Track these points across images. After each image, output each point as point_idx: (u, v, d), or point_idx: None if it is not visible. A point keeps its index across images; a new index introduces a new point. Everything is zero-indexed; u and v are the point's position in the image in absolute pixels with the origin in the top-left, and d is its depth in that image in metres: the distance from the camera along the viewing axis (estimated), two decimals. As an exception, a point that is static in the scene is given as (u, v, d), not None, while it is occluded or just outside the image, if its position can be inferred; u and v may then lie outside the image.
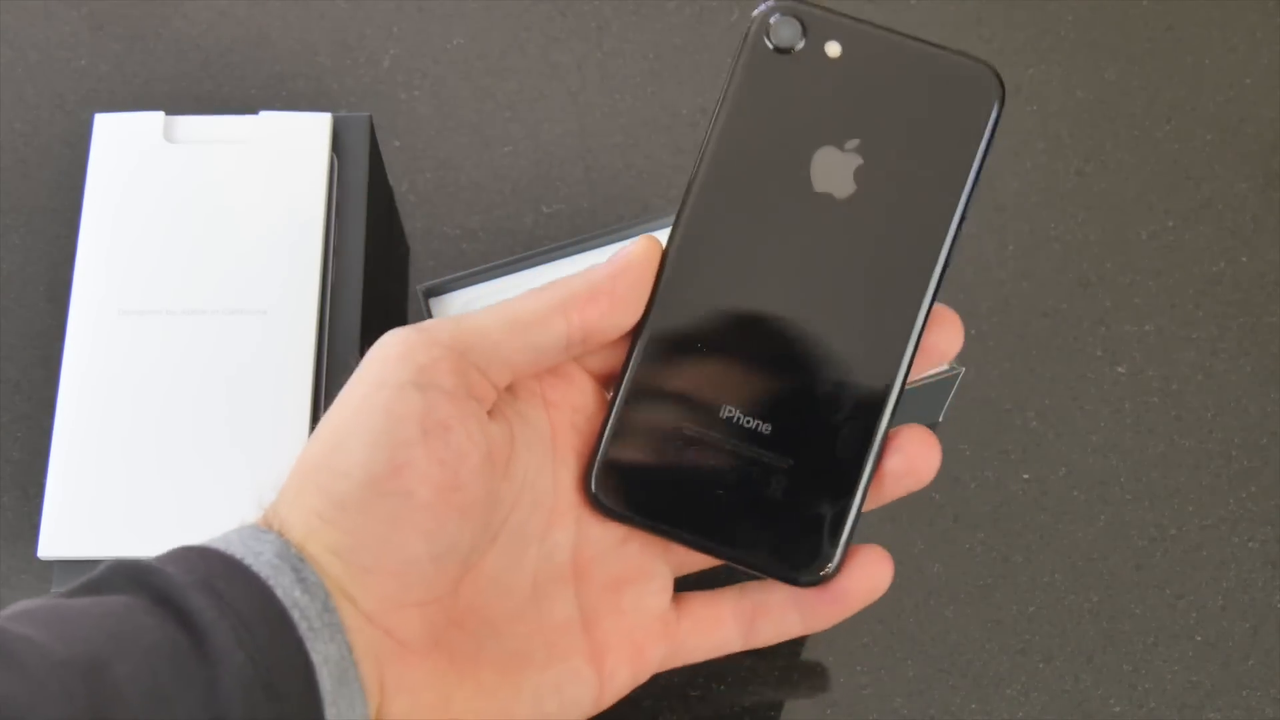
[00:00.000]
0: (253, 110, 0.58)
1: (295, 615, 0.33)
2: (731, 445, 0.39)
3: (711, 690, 0.57)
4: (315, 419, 0.53)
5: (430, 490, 0.35)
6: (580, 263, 0.59)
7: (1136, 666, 0.57)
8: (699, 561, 0.41)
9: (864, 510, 0.39)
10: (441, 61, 0.69)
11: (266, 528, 0.35)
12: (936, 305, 0.38)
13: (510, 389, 0.38)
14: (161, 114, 0.58)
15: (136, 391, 0.53)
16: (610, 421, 0.39)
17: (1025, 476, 0.60)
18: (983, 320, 0.63)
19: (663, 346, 0.39)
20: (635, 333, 0.39)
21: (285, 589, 0.33)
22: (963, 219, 0.38)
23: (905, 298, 0.38)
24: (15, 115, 0.67)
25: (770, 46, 0.38)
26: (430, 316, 0.58)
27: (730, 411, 0.38)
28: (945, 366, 0.58)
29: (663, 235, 0.40)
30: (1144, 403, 0.61)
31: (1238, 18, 0.69)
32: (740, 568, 0.40)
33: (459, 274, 0.58)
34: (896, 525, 0.59)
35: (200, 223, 0.56)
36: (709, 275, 0.38)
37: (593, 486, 0.39)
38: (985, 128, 0.38)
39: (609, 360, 0.40)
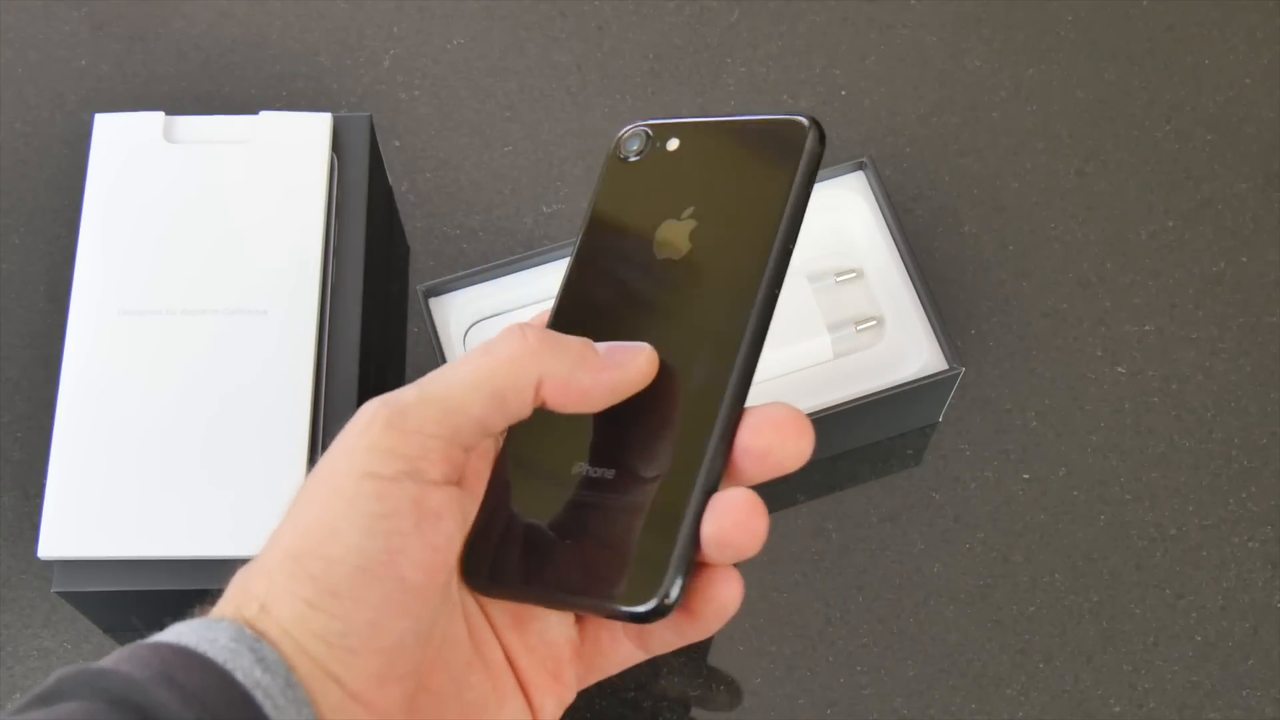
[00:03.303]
0: (253, 110, 0.58)
1: (259, 696, 0.33)
2: (581, 498, 0.39)
3: (711, 690, 0.57)
4: (315, 419, 0.53)
5: (421, 574, 0.36)
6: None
7: (1136, 666, 0.57)
8: None
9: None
10: (441, 61, 0.69)
11: (234, 612, 0.35)
12: (785, 411, 0.38)
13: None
14: (161, 114, 0.58)
15: (136, 391, 0.53)
16: (480, 506, 0.40)
17: (1025, 476, 0.60)
18: (983, 320, 0.63)
19: (529, 420, 0.39)
20: None
21: (245, 671, 0.33)
22: (786, 249, 0.40)
23: (732, 323, 0.39)
24: (15, 115, 0.67)
25: (621, 158, 0.43)
26: (430, 316, 0.58)
27: (580, 466, 0.40)
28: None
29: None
30: (1144, 403, 0.62)
31: (1238, 18, 0.69)
32: (592, 615, 0.40)
33: (459, 274, 0.58)
34: (896, 525, 0.59)
35: (200, 223, 0.56)
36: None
37: (463, 571, 0.39)
38: (794, 163, 0.40)
39: None
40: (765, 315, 0.39)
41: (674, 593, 0.37)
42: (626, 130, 0.44)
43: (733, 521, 0.36)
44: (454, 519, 0.37)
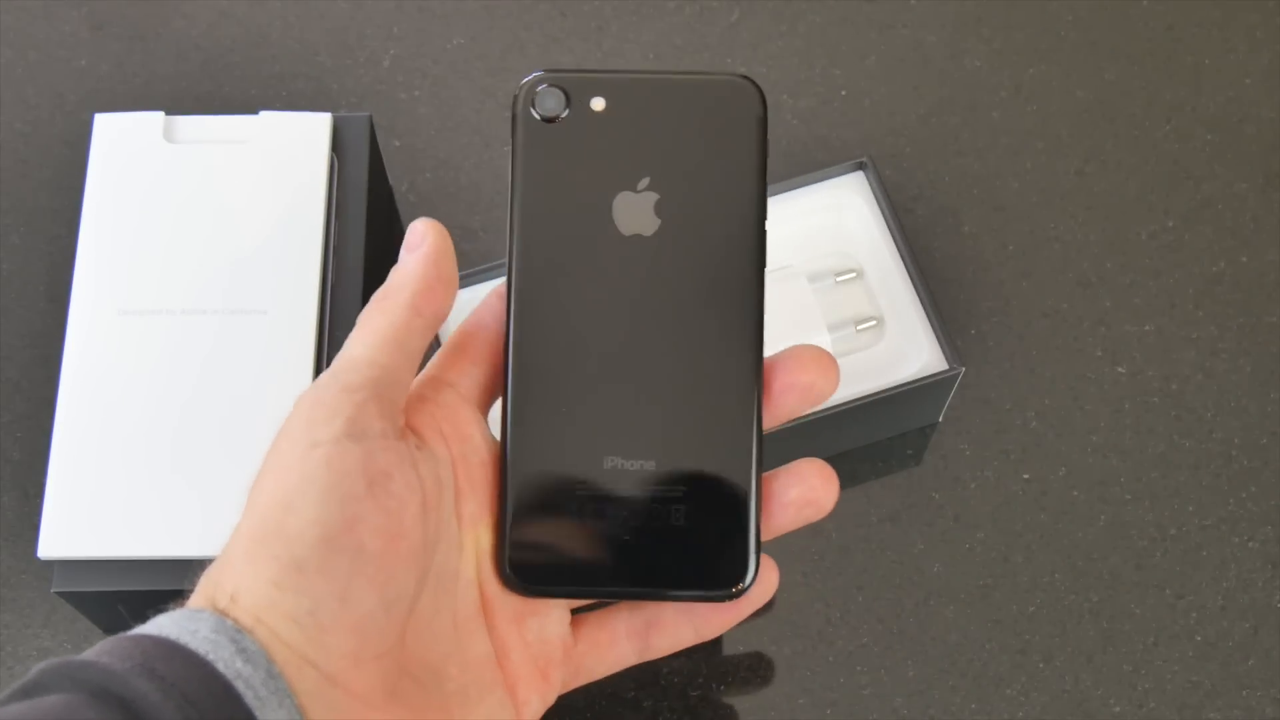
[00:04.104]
0: (253, 110, 0.58)
1: (240, 686, 0.33)
2: (624, 491, 0.40)
3: (711, 690, 0.57)
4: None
5: (380, 541, 0.36)
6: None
7: (1136, 666, 0.57)
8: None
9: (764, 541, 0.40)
10: (441, 61, 0.69)
11: (208, 605, 0.35)
12: (814, 350, 0.40)
13: (414, 427, 0.39)
14: (161, 114, 0.58)
15: (136, 391, 0.53)
16: (507, 505, 0.40)
17: (1025, 476, 0.60)
18: (983, 320, 0.63)
19: (533, 420, 0.40)
20: (504, 409, 0.40)
21: (226, 662, 0.34)
22: (763, 217, 0.40)
23: (739, 302, 0.40)
24: (15, 115, 0.67)
25: (539, 118, 0.40)
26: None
27: (613, 460, 0.40)
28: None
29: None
30: (1144, 403, 0.62)
31: (1238, 18, 0.69)
32: (668, 601, 0.41)
33: (459, 274, 0.58)
34: (896, 525, 0.59)
35: (200, 223, 0.56)
36: (555, 343, 0.40)
37: (508, 572, 0.39)
38: (755, 130, 0.40)
39: (479, 380, 0.41)
40: (762, 287, 0.40)
41: (755, 570, 0.39)
42: (535, 84, 0.40)
43: (814, 483, 0.40)
44: (402, 478, 0.37)
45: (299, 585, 0.35)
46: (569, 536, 0.40)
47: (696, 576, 0.40)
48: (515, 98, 0.40)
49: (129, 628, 0.57)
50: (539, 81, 0.40)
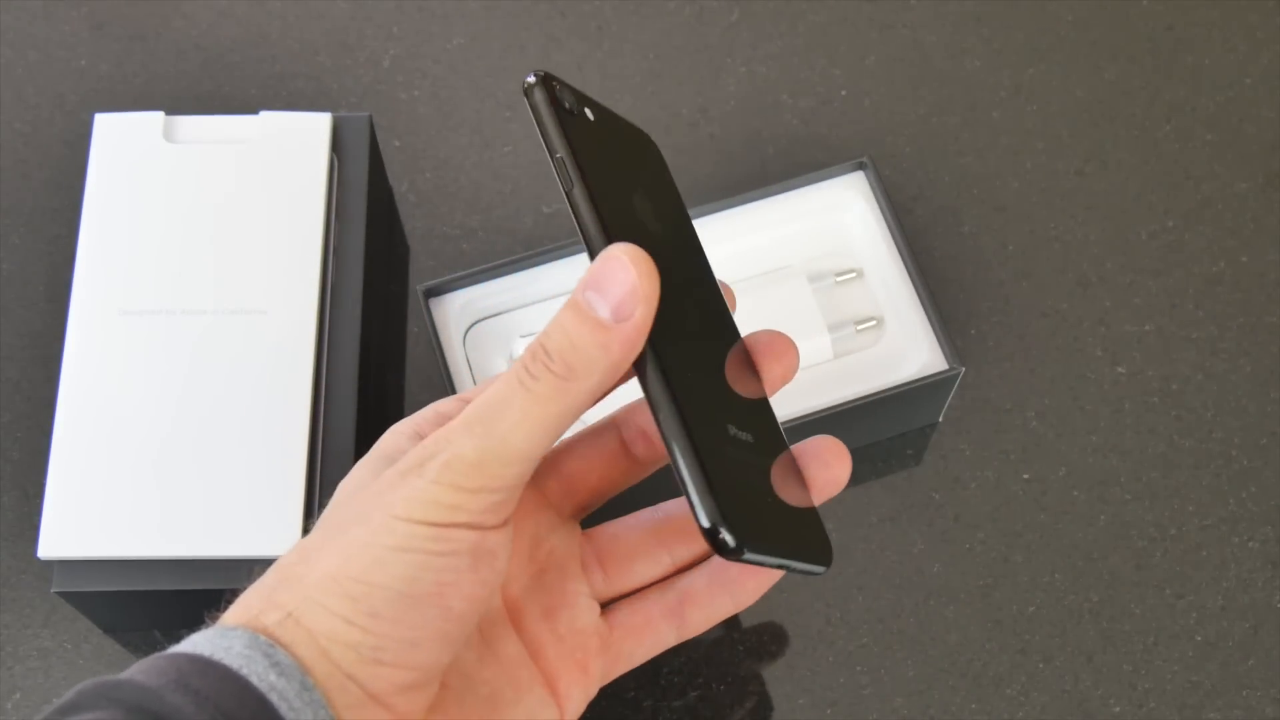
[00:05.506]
0: (253, 110, 0.58)
1: (274, 699, 0.33)
2: (752, 460, 0.39)
3: (711, 690, 0.57)
4: (315, 419, 0.53)
5: (467, 604, 0.36)
6: (580, 264, 0.59)
7: (1136, 666, 0.57)
8: (621, 587, 0.42)
9: None
10: (441, 61, 0.69)
11: (247, 620, 0.35)
12: (771, 334, 0.42)
13: None
14: (161, 114, 0.58)
15: (136, 391, 0.53)
16: (697, 467, 0.36)
17: (1025, 476, 0.60)
18: (983, 320, 0.63)
19: (687, 391, 0.37)
20: (650, 379, 0.37)
21: (260, 675, 0.34)
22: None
23: (715, 293, 0.42)
24: (15, 115, 0.67)
25: (566, 108, 0.39)
26: (430, 316, 0.58)
27: (733, 429, 0.39)
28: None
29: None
30: (1144, 403, 0.62)
31: (1238, 18, 0.69)
32: (792, 571, 0.39)
33: (459, 274, 0.58)
34: (896, 525, 0.59)
35: (200, 223, 0.56)
36: (674, 318, 0.39)
37: (733, 540, 0.35)
38: (667, 172, 0.44)
39: None
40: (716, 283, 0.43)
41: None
42: (549, 79, 0.39)
43: (828, 459, 0.41)
44: (507, 552, 0.37)
45: (369, 626, 0.35)
46: (758, 500, 0.38)
47: (806, 548, 0.39)
48: (531, 87, 0.39)
49: (130, 628, 0.57)
50: (551, 79, 0.39)
